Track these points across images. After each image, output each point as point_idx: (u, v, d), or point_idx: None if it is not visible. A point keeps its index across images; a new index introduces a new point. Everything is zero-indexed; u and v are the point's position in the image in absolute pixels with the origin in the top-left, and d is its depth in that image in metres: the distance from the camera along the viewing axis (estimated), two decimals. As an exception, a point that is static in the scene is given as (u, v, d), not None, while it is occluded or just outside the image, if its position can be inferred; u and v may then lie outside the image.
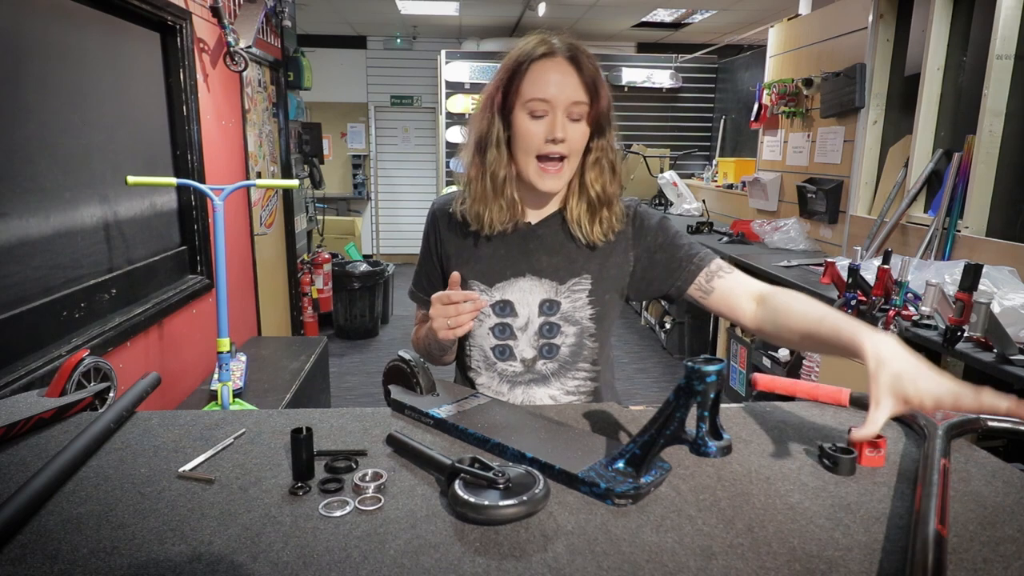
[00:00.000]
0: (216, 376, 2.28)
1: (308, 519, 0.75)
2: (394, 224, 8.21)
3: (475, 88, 6.51)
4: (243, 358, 2.69)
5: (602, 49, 7.25)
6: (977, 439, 1.21)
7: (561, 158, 1.11)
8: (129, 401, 1.04)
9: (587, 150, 1.17)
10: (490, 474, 0.78)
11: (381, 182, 8.08)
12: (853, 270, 2.29)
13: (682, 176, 5.75)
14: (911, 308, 2.15)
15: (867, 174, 3.38)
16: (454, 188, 1.31)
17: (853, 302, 2.31)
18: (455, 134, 6.51)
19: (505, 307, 1.20)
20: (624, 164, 6.06)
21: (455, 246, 1.24)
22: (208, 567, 0.66)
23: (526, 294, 1.19)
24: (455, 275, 1.11)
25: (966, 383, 0.76)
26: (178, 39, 2.51)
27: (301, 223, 4.42)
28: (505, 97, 1.12)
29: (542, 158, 1.11)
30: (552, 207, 1.22)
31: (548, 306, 1.19)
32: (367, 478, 0.83)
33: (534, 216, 1.22)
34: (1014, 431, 1.00)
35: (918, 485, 0.80)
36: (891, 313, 2.13)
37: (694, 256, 1.18)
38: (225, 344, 2.18)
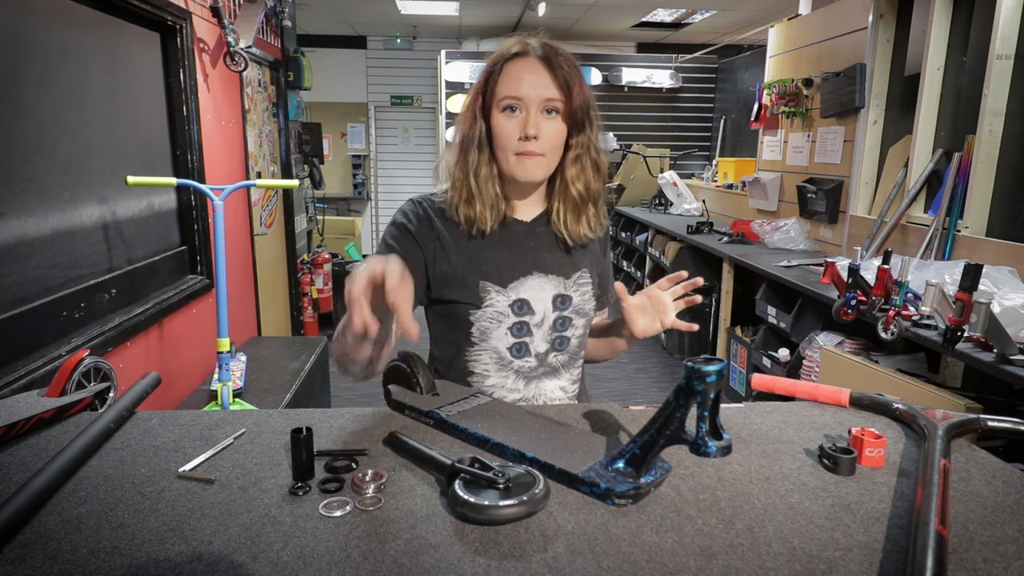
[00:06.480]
0: (216, 376, 2.28)
1: (308, 519, 0.75)
2: (394, 224, 8.20)
3: (475, 88, 6.50)
4: (243, 358, 2.69)
5: (602, 49, 7.25)
6: (977, 439, 1.21)
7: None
8: (129, 401, 1.04)
9: (567, 147, 1.19)
10: (490, 474, 0.78)
11: (381, 182, 8.08)
12: (853, 270, 2.29)
13: (682, 176, 5.75)
14: (911, 308, 2.15)
15: (867, 174, 3.38)
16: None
17: (853, 302, 2.31)
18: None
19: (523, 305, 1.20)
20: (624, 164, 6.06)
21: (456, 248, 1.20)
22: (208, 567, 0.66)
23: (538, 291, 1.21)
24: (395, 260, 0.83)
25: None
26: (178, 39, 2.51)
27: (301, 223, 4.42)
28: (484, 98, 1.16)
29: (519, 155, 1.14)
30: (539, 207, 1.24)
31: (560, 301, 1.21)
32: (367, 478, 0.83)
33: (526, 215, 1.24)
34: (1014, 431, 1.00)
35: (918, 485, 0.80)
36: (891, 313, 2.13)
37: (607, 291, 1.36)
38: (225, 344, 2.18)
